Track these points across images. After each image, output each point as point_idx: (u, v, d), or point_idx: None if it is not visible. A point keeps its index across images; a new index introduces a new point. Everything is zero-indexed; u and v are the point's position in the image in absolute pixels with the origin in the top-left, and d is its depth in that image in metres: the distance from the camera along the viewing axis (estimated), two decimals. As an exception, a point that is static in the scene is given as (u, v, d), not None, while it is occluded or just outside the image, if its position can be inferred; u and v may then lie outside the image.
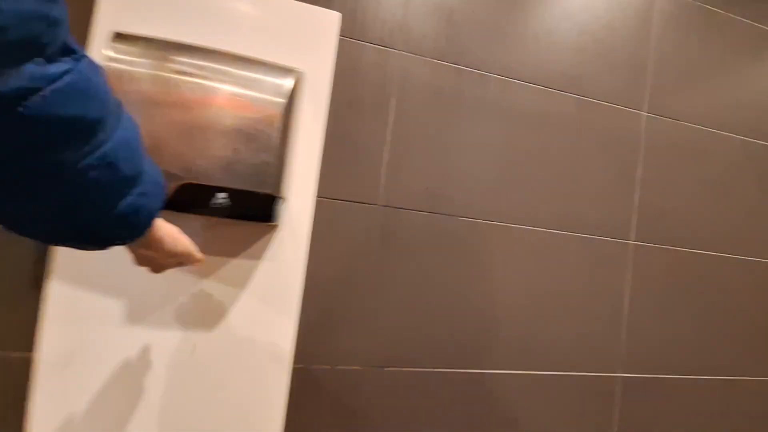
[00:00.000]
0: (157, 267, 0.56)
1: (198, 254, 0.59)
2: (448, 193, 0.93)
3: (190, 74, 0.65)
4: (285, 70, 0.72)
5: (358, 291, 0.87)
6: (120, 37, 0.65)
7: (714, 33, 1.15)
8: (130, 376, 0.74)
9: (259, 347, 0.80)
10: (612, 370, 1.05)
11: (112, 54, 0.63)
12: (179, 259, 0.56)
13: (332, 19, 0.82)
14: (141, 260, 0.54)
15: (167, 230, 0.52)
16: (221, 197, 0.66)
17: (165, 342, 0.76)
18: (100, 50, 0.67)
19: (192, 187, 0.65)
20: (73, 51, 0.31)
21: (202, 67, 0.66)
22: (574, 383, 1.01)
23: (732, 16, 1.16)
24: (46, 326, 0.70)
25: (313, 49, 0.81)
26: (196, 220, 0.76)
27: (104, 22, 0.70)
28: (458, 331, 0.93)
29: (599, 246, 1.03)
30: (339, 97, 0.85)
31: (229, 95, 0.67)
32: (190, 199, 0.66)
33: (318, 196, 0.84)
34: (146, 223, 0.43)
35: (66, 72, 0.30)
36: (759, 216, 1.19)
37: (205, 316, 0.78)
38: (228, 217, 0.68)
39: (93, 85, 0.33)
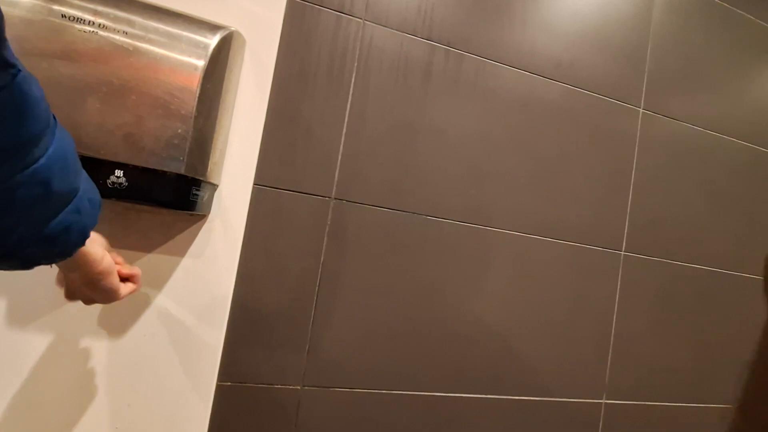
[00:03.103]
0: (71, 293, 0.50)
1: (125, 288, 0.52)
2: (413, 187, 0.80)
3: (85, 22, 0.53)
4: (210, 26, 0.59)
5: (301, 297, 0.74)
6: (-4, -30, 0.52)
7: (719, 28, 1.04)
8: (28, 381, 0.60)
9: (178, 362, 0.67)
10: (596, 396, 0.92)
11: (-18, -11, 0.50)
12: (99, 296, 0.50)
13: (282, -24, 0.70)
14: (60, 280, 0.51)
15: (97, 257, 0.47)
16: (117, 175, 0.53)
17: (73, 345, 0.62)
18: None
19: (85, 162, 0.52)
20: (11, 65, 0.30)
21: (100, 14, 0.53)
22: (555, 410, 0.88)
23: (739, 12, 1.06)
24: None
25: (257, 9, 0.69)
26: (105, 206, 0.63)
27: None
28: (420, 347, 0.80)
29: (586, 256, 0.92)
30: (288, 67, 0.73)
31: (135, 50, 0.54)
32: (80, 177, 0.53)
33: (256, 184, 0.71)
34: (77, 242, 0.40)
35: (3, 87, 0.29)
36: (760, 229, 1.08)
37: (110, 322, 0.64)
38: (127, 200, 0.55)
39: (31, 100, 0.32)
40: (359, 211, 0.77)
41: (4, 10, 0.51)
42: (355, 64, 0.77)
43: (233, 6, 0.67)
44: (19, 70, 0.31)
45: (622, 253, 0.95)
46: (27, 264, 0.38)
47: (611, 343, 0.94)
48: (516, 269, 0.87)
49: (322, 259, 0.75)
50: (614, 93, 0.95)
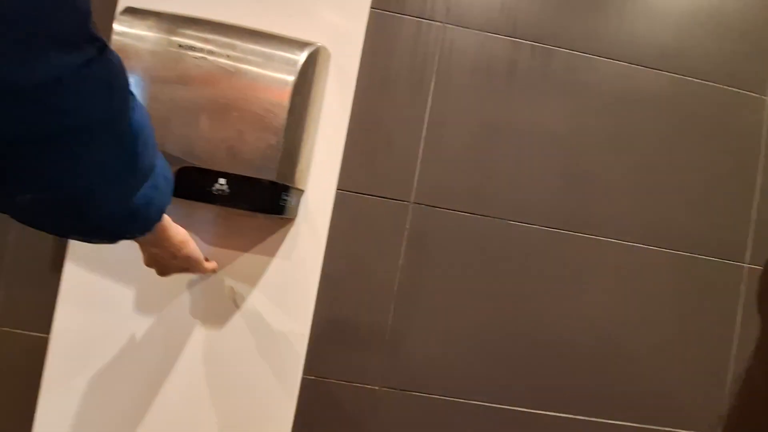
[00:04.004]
0: (162, 268, 0.57)
1: (208, 264, 0.61)
2: (496, 190, 0.78)
3: (196, 49, 0.60)
4: (299, 44, 0.63)
5: (381, 299, 0.76)
6: (130, 11, 0.61)
7: None
8: (137, 366, 0.71)
9: (269, 351, 0.73)
10: (712, 429, 0.81)
11: (120, 29, 0.60)
12: (185, 264, 0.56)
13: (364, -11, 0.73)
14: (148, 260, 0.55)
15: (175, 230, 0.52)
16: (221, 183, 0.60)
17: (173, 334, 0.71)
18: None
19: (192, 172, 0.60)
20: (97, 38, 0.30)
21: (209, 41, 0.60)
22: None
23: None
24: (59, 308, 0.69)
25: (341, 24, 0.72)
26: (208, 210, 0.71)
27: (127, 1, 0.68)
28: (502, 358, 0.77)
29: (700, 267, 0.81)
30: (370, 77, 0.75)
31: (236, 72, 0.60)
32: (191, 186, 0.60)
33: (339, 189, 0.74)
34: (156, 218, 0.43)
35: (91, 60, 0.29)
36: None
37: (214, 311, 0.72)
38: (229, 205, 0.61)
39: (115, 74, 0.32)
40: (439, 215, 0.77)
41: (134, 44, 0.61)
42: (435, 68, 0.77)
43: (320, 21, 0.72)
44: (105, 45, 0.31)
45: (746, 265, 0.82)
46: (114, 237, 0.40)
47: (730, 368, 0.81)
48: (614, 280, 0.79)
49: (401, 262, 0.76)
50: (733, 80, 0.82)
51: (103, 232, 0.39)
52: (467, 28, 0.77)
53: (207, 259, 0.65)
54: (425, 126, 0.77)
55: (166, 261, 0.54)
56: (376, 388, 0.75)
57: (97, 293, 0.70)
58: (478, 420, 0.76)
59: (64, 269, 0.70)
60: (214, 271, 0.65)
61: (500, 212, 0.77)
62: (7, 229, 0.72)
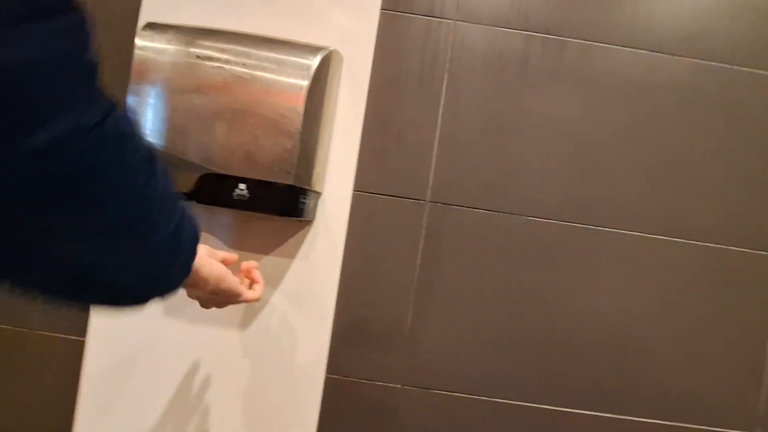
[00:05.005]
0: (204, 302, 0.56)
1: (251, 294, 0.58)
2: (511, 186, 0.77)
3: (213, 59, 0.62)
4: (312, 49, 0.65)
5: (399, 299, 0.76)
6: (150, 26, 0.64)
7: None
8: (166, 366, 0.74)
9: (292, 351, 0.74)
10: (747, 428, 0.78)
11: (142, 43, 0.63)
12: (225, 299, 0.55)
13: (373, -9, 0.74)
14: (189, 294, 0.54)
15: (209, 270, 0.49)
16: (241, 188, 0.61)
17: (199, 336, 0.74)
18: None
19: (213, 178, 0.62)
20: (104, 97, 0.28)
21: (225, 51, 0.62)
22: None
23: None
24: (93, 313, 0.73)
25: (352, 27, 0.73)
26: (228, 214, 0.73)
27: (148, 15, 0.71)
28: (521, 355, 0.76)
29: (728, 259, 0.78)
30: (382, 77, 0.76)
31: (251, 79, 0.62)
32: (212, 192, 0.62)
33: (356, 190, 0.75)
34: (184, 275, 0.41)
35: (103, 120, 0.27)
36: None
37: (238, 313, 0.74)
38: (249, 210, 0.63)
39: (128, 130, 0.29)
40: (455, 213, 0.77)
41: (155, 57, 0.63)
42: (447, 66, 0.77)
43: (332, 25, 0.73)
44: (114, 103, 0.28)
45: (781, 255, 0.78)
46: (145, 303, 0.38)
47: (767, 365, 0.78)
48: (636, 274, 0.77)
49: (418, 261, 0.77)
50: (757, 63, 0.79)
51: (138, 301, 0.37)
52: (478, 23, 0.77)
53: (251, 286, 0.61)
54: (439, 124, 0.77)
55: (204, 298, 0.54)
56: (398, 386, 0.76)
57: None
58: (499, 417, 0.76)
59: (96, 275, 0.73)
60: (257, 299, 0.60)
61: (516, 208, 0.77)
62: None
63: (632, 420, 0.77)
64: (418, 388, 0.76)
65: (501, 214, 0.77)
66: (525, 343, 0.77)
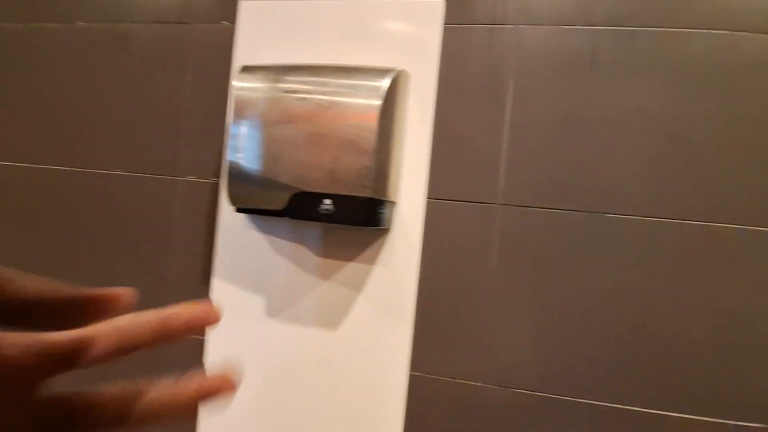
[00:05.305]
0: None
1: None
2: (586, 184, 0.76)
3: (297, 91, 0.71)
4: (381, 72, 0.71)
5: (478, 299, 0.79)
6: (245, 69, 0.75)
7: None
8: (266, 363, 0.84)
9: (376, 350, 0.81)
10: None
11: (239, 84, 0.73)
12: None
13: (435, 8, 0.78)
14: None
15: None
16: (326, 203, 0.69)
17: (292, 336, 0.83)
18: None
19: (302, 196, 0.70)
20: None
21: (306, 83, 0.71)
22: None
23: None
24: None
25: (417, 45, 0.78)
26: (315, 227, 0.81)
27: (241, 60, 0.82)
28: (604, 355, 0.75)
29: None
30: (447, 88, 0.80)
31: (330, 105, 0.69)
32: (302, 207, 0.71)
33: (429, 198, 0.80)
34: None
35: None
36: None
37: (328, 315, 0.82)
38: (335, 222, 0.70)
39: None
40: (528, 213, 0.77)
41: (250, 95, 0.73)
42: (512, 70, 0.78)
43: (398, 45, 0.78)
44: None
45: None
46: None
47: None
48: (735, 268, 0.72)
49: (494, 262, 0.79)
50: None
51: None
52: (541, 24, 0.77)
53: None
54: (507, 127, 0.78)
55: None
56: (479, 384, 0.78)
57: (237, 302, 0.85)
58: (581, 418, 0.75)
59: (211, 283, 0.86)
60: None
61: (594, 206, 0.75)
62: (169, 257, 0.91)
63: (736, 425, 0.71)
64: (499, 386, 0.78)
65: (578, 212, 0.76)
66: (610, 342, 0.75)
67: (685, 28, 0.73)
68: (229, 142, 0.74)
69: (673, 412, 0.72)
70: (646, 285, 0.74)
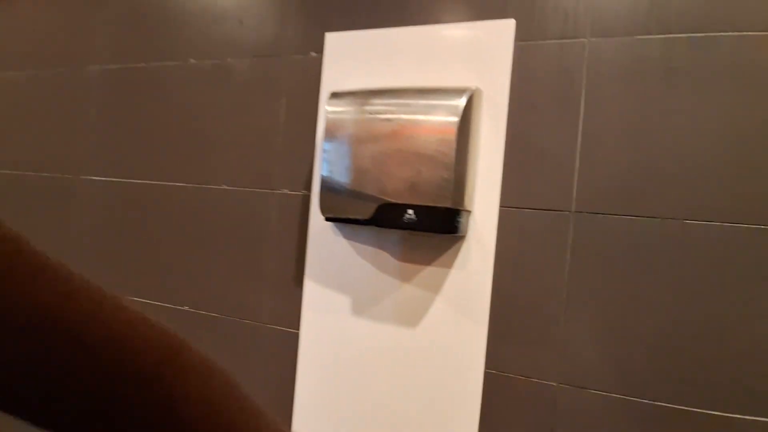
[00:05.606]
0: None
1: None
2: (661, 190, 0.77)
3: (381, 112, 0.79)
4: (458, 91, 0.77)
5: (551, 303, 0.82)
6: (334, 95, 0.85)
7: None
8: (349, 355, 0.93)
9: (453, 348, 0.87)
10: None
11: (330, 109, 0.83)
12: None
13: (506, 27, 0.83)
14: None
15: None
16: (409, 213, 0.77)
17: (378, 334, 0.92)
18: (324, 107, 0.89)
19: (387, 207, 0.79)
20: None
21: (389, 105, 0.79)
22: None
23: None
24: (303, 312, 0.97)
25: (490, 63, 0.83)
26: (398, 234, 0.89)
27: (327, 86, 0.93)
28: (681, 360, 0.75)
29: None
30: (519, 102, 0.84)
31: (411, 124, 0.77)
32: (387, 217, 0.79)
33: (502, 206, 0.84)
34: None
35: None
36: None
37: (407, 315, 0.90)
38: (416, 230, 0.78)
39: None
40: (602, 221, 0.80)
41: (341, 117, 0.83)
42: (583, 82, 0.81)
43: (473, 66, 0.84)
44: None
45: None
46: None
47: None
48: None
49: (567, 268, 0.82)
50: None
51: None
52: (613, 37, 0.79)
53: None
54: (579, 138, 0.81)
55: None
56: (553, 384, 0.82)
57: (325, 300, 0.95)
58: (654, 420, 0.75)
59: (304, 284, 0.97)
60: None
61: (669, 212, 0.76)
62: (267, 260, 1.03)
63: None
64: (572, 386, 0.80)
65: (651, 219, 0.77)
66: (685, 347, 0.75)
67: (762, 32, 0.72)
68: (322, 159, 0.84)
69: (748, 415, 0.71)
70: (730, 291, 0.73)
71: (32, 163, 1.29)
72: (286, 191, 1.02)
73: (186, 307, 1.11)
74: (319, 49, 0.97)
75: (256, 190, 1.04)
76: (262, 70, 1.05)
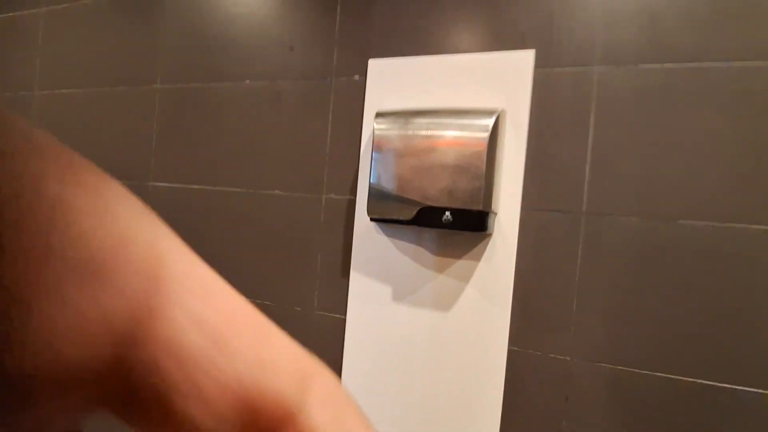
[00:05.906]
0: None
1: None
2: (670, 190, 0.91)
3: (422, 129, 0.94)
4: (488, 112, 0.92)
5: (566, 290, 0.97)
6: (379, 115, 1.00)
7: None
8: (388, 341, 1.09)
9: (481, 329, 1.02)
10: None
11: (376, 126, 0.99)
12: None
13: (527, 56, 0.98)
14: None
15: None
16: (447, 215, 0.92)
17: (415, 318, 1.07)
18: (371, 125, 1.05)
19: (427, 209, 0.94)
20: None
21: (429, 124, 0.94)
22: None
23: None
24: (350, 300, 1.13)
25: (513, 88, 0.98)
26: (433, 232, 1.05)
27: (371, 106, 1.08)
28: (701, 333, 0.89)
29: None
30: (538, 120, 0.99)
31: (449, 140, 0.92)
32: (426, 218, 0.95)
33: (523, 208, 0.99)
34: None
35: None
36: None
37: (442, 301, 1.05)
38: (453, 229, 0.93)
39: None
40: (609, 220, 0.94)
41: (387, 134, 0.99)
42: (593, 104, 0.95)
43: (498, 90, 0.99)
44: None
45: None
46: None
47: None
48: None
49: (579, 260, 0.96)
50: None
51: None
52: (620, 64, 0.94)
53: None
54: (589, 150, 0.96)
55: None
56: (568, 358, 0.97)
57: (370, 291, 1.11)
58: (671, 393, 0.90)
59: (350, 276, 1.13)
60: None
61: (679, 213, 0.90)
62: (316, 255, 1.19)
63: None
64: (585, 360, 0.95)
65: (651, 219, 0.92)
66: (706, 325, 0.89)
67: (755, 60, 0.86)
68: (371, 168, 1.00)
69: (750, 387, 0.85)
70: (743, 291, 0.88)
71: (108, 170, 1.46)
72: (333, 195, 1.17)
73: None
74: (363, 72, 1.13)
75: (306, 195, 1.20)
76: (311, 91, 1.20)
